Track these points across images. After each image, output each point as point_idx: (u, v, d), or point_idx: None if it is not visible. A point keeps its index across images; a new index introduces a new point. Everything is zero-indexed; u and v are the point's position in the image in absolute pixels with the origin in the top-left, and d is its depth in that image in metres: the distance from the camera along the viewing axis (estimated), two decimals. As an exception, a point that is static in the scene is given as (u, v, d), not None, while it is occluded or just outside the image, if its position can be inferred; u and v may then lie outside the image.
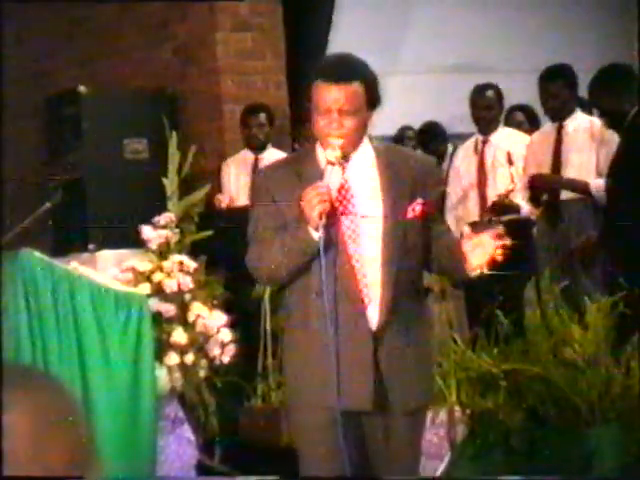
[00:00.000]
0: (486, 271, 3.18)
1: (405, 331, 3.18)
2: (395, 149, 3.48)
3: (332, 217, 3.14)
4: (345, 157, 3.18)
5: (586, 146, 5.70)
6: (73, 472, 1.34)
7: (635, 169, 5.05)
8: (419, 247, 3.22)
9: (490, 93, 6.21)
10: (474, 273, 3.19)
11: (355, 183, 3.21)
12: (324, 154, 3.18)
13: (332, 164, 3.15)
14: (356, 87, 3.15)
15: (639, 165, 5.03)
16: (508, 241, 3.14)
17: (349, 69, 3.21)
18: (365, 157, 3.23)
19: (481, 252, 3.16)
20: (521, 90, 6.59)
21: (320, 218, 3.09)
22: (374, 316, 3.16)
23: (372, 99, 3.19)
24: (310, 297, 3.16)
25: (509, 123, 6.46)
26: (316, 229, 3.10)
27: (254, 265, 3.27)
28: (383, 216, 3.17)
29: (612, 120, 5.41)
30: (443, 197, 5.85)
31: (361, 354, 3.14)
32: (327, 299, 3.09)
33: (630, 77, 5.42)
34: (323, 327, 3.12)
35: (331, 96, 3.14)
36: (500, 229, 3.19)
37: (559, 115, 5.81)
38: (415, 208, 3.20)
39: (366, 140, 3.25)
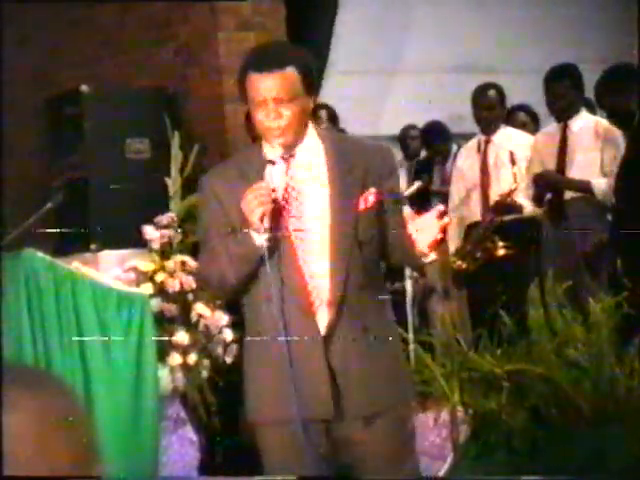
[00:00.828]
0: (434, 256, 2.97)
1: (361, 331, 3.02)
2: (345, 137, 3.34)
3: (278, 218, 2.99)
4: (288, 151, 3.04)
5: (591, 146, 5.69)
6: (78, 472, 1.34)
7: None
8: (374, 240, 3.05)
9: (492, 93, 6.20)
10: (426, 259, 2.97)
11: (301, 179, 3.06)
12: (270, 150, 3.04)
13: (272, 163, 3.02)
14: (290, 73, 3.00)
15: None
16: (447, 219, 2.95)
17: (280, 55, 3.07)
18: (311, 148, 3.08)
19: (426, 234, 2.92)
20: (524, 90, 6.58)
21: (261, 221, 2.94)
22: (324, 318, 3.01)
23: (310, 84, 3.04)
24: (261, 305, 3.03)
25: (512, 123, 6.45)
26: (259, 233, 2.95)
27: (203, 274, 3.18)
28: (330, 210, 3.01)
29: (620, 120, 5.41)
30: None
31: (312, 360, 2.99)
32: (275, 305, 2.94)
33: (636, 77, 5.41)
34: (276, 335, 2.98)
35: (265, 85, 3.00)
36: (441, 207, 3.01)
37: (565, 115, 5.80)
38: (367, 198, 3.04)
39: (311, 129, 3.10)
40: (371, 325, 3.04)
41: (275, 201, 2.99)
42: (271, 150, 3.04)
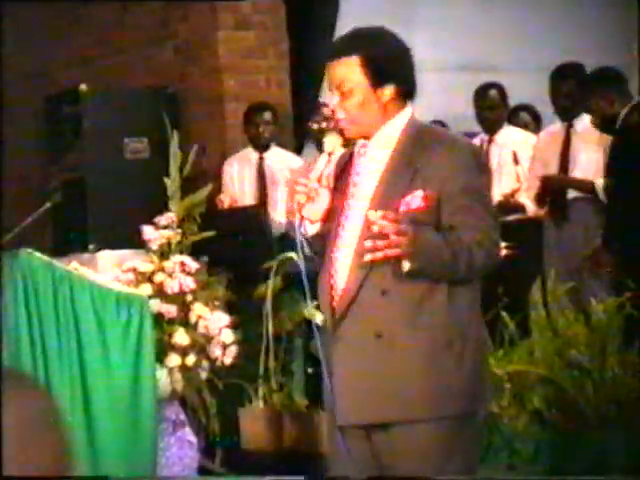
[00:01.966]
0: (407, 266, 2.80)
1: (373, 337, 2.85)
2: (431, 131, 3.03)
3: (336, 210, 2.93)
4: (358, 142, 2.94)
5: (595, 146, 5.67)
6: (61, 470, 1.37)
7: (633, 168, 5.03)
8: None
9: (493, 93, 6.18)
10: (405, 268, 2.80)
11: (364, 173, 2.96)
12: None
13: (327, 154, 2.95)
14: (350, 62, 2.88)
15: (636, 164, 5.02)
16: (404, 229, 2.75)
17: (344, 42, 2.97)
18: (384, 142, 2.93)
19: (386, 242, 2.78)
20: (527, 89, 6.55)
21: (299, 211, 2.90)
22: (336, 317, 2.91)
23: (376, 73, 2.88)
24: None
25: (514, 123, 6.42)
26: (310, 222, 2.92)
27: None
28: (368, 208, 2.87)
29: (602, 124, 5.41)
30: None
31: (326, 354, 2.92)
32: (308, 295, 2.91)
33: (619, 80, 5.42)
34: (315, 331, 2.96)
35: (329, 74, 2.94)
36: (392, 215, 2.79)
37: (569, 114, 5.78)
38: (410, 202, 2.85)
39: (397, 119, 2.93)
40: (388, 332, 2.85)
41: (318, 191, 2.92)
42: (328, 140, 2.97)
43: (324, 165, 2.96)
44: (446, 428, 2.88)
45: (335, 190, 2.98)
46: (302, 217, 2.94)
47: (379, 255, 2.79)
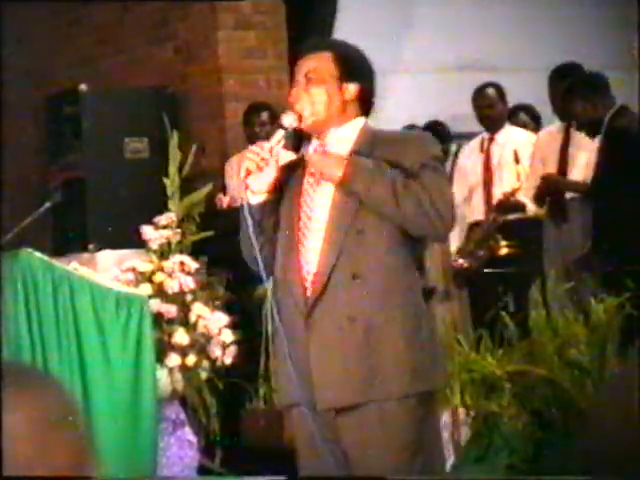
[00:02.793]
0: None
1: (347, 321, 2.93)
2: (385, 132, 3.22)
3: (290, 188, 3.04)
4: (315, 133, 3.06)
5: (593, 146, 5.67)
6: (77, 472, 1.34)
7: (619, 171, 5.05)
8: (381, 228, 2.96)
9: (490, 91, 6.18)
10: None
11: None
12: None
13: (280, 127, 3.05)
14: (323, 56, 3.07)
15: (622, 167, 5.03)
16: None
17: (319, 41, 3.22)
18: (343, 138, 3.07)
19: None
20: (526, 88, 6.55)
21: (246, 176, 2.99)
22: (308, 302, 2.97)
23: (346, 70, 3.05)
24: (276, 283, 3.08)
25: (514, 123, 6.43)
26: (251, 192, 3.01)
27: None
28: (332, 195, 3.00)
29: (587, 128, 5.43)
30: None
31: (298, 344, 2.97)
32: (278, 282, 3.01)
33: (603, 84, 5.44)
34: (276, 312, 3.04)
35: (300, 67, 3.09)
36: None
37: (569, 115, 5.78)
38: None
39: (356, 121, 3.09)
40: (362, 316, 2.94)
41: (268, 163, 3.00)
42: (286, 116, 3.05)
43: (279, 139, 3.05)
44: (414, 405, 2.97)
45: (290, 184, 3.08)
46: (247, 185, 3.01)
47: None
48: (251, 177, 3.01)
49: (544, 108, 6.36)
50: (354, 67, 3.09)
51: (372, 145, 3.05)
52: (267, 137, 6.46)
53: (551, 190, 5.76)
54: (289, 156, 3.13)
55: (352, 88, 3.07)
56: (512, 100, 6.38)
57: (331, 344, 2.95)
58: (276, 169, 3.04)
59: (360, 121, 3.10)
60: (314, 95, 3.03)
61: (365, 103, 3.11)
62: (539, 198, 5.79)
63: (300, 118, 3.04)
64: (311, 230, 3.02)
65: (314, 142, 3.12)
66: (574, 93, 5.46)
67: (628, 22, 5.59)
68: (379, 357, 2.94)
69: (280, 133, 3.06)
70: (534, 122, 6.70)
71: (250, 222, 3.01)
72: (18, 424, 1.32)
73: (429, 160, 3.01)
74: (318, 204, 3.03)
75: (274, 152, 3.04)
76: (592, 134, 5.45)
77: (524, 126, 6.53)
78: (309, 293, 2.98)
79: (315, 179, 3.06)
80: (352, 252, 2.96)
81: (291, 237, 3.02)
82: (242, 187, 3.02)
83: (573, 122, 5.79)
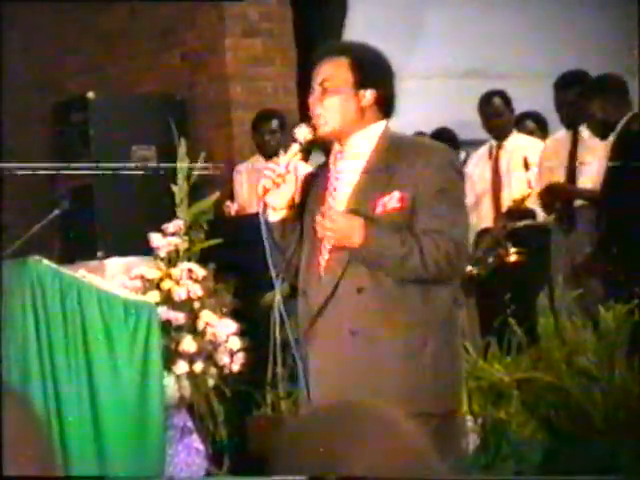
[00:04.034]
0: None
1: (348, 334, 2.90)
2: (406, 139, 3.17)
3: (310, 202, 3.01)
4: (334, 140, 3.02)
5: (601, 153, 5.66)
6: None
7: (630, 175, 5.04)
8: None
9: (497, 100, 6.18)
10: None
11: (342, 172, 3.03)
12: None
13: (295, 141, 3.02)
14: (339, 62, 3.00)
15: (634, 171, 5.02)
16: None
17: (334, 46, 3.11)
18: (362, 144, 3.02)
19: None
20: (534, 96, 6.54)
21: (263, 197, 2.96)
22: (312, 316, 2.96)
23: (362, 77, 2.99)
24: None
25: (520, 131, 6.42)
26: (271, 209, 2.99)
27: None
28: (345, 209, 2.96)
29: (602, 129, 5.41)
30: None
31: (307, 356, 2.99)
32: (278, 294, 2.98)
33: (620, 87, 5.42)
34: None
35: (316, 74, 3.03)
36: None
37: (575, 122, 5.77)
38: (387, 203, 2.94)
39: (375, 126, 3.03)
40: (363, 330, 2.90)
41: (279, 180, 2.97)
42: (299, 130, 3.02)
43: (294, 153, 3.02)
44: (426, 426, 2.87)
45: (312, 192, 3.05)
46: (265, 203, 2.99)
47: (327, 234, 2.89)
48: (269, 195, 2.98)
49: (551, 115, 6.35)
50: (371, 73, 3.02)
51: (391, 152, 2.99)
52: (277, 145, 6.55)
53: (559, 198, 5.74)
54: (307, 168, 3.11)
55: (369, 94, 3.01)
56: (519, 107, 6.38)
57: (330, 356, 2.93)
58: (295, 183, 3.00)
59: (380, 125, 3.04)
60: (330, 104, 2.99)
61: (385, 106, 3.05)
62: (547, 206, 5.79)
63: (314, 129, 3.00)
64: (331, 242, 2.98)
65: (335, 147, 3.07)
66: (593, 91, 5.43)
67: (630, 28, 5.58)
68: (377, 373, 2.90)
69: (295, 147, 3.02)
70: (540, 129, 6.70)
71: (269, 242, 2.99)
72: None
73: (447, 183, 2.96)
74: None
75: (290, 167, 3.00)
76: (602, 135, 5.42)
77: (530, 133, 6.52)
78: (313, 305, 2.97)
79: (332, 198, 3.02)
80: (358, 266, 2.93)
81: (312, 249, 2.99)
82: (261, 206, 2.99)
83: (580, 127, 5.78)
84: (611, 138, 5.48)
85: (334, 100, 2.98)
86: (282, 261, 3.03)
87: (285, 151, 6.68)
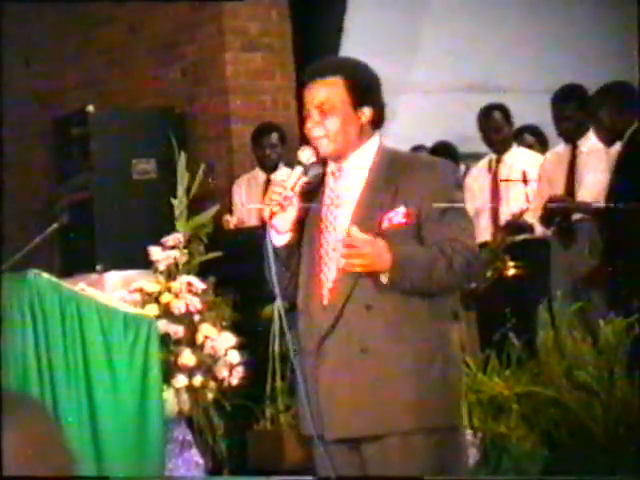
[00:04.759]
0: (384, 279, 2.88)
1: (359, 352, 2.89)
2: (402, 154, 3.18)
3: (310, 223, 2.99)
4: (333, 160, 3.01)
5: (600, 166, 5.66)
6: None
7: (636, 185, 5.03)
8: None
9: (497, 115, 6.19)
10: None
11: (342, 191, 3.03)
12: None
13: (302, 165, 3.00)
14: (333, 82, 2.98)
15: (638, 181, 5.02)
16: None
17: (326, 65, 3.06)
18: (360, 162, 3.02)
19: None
20: (532, 110, 6.55)
21: (270, 218, 2.95)
22: (320, 334, 2.95)
23: (358, 96, 2.98)
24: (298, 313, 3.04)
25: (519, 145, 6.43)
26: (277, 232, 2.97)
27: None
28: (349, 225, 2.93)
29: (609, 137, 5.40)
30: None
31: (311, 374, 2.96)
32: (279, 311, 2.96)
33: (631, 94, 5.41)
34: (297, 345, 3.01)
35: (310, 94, 3.00)
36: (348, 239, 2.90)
37: (573, 136, 5.78)
38: (392, 218, 2.94)
39: (372, 142, 3.03)
40: (373, 347, 2.91)
41: (285, 202, 2.95)
42: (303, 152, 3.01)
43: (298, 176, 3.01)
44: (436, 440, 2.93)
45: (307, 210, 3.03)
46: (272, 226, 2.98)
47: (356, 268, 2.87)
48: (276, 218, 2.98)
49: (550, 129, 6.36)
50: (366, 90, 3.02)
51: (390, 167, 3.00)
52: (277, 159, 6.54)
53: (558, 211, 5.74)
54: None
55: (367, 112, 3.01)
56: (518, 121, 6.39)
57: (341, 374, 2.93)
58: (297, 206, 2.99)
59: (375, 141, 3.05)
60: (330, 125, 2.98)
61: (378, 122, 3.07)
62: (546, 220, 5.78)
63: (317, 151, 3.00)
64: (332, 260, 2.97)
65: (331, 166, 3.06)
66: (603, 97, 5.43)
67: (632, 37, 5.58)
68: (388, 390, 2.91)
69: (299, 170, 3.01)
70: (540, 143, 6.70)
71: (274, 267, 2.97)
72: (6, 448, 1.34)
73: (452, 196, 2.97)
74: (337, 237, 2.99)
75: (296, 190, 2.99)
76: (609, 143, 5.41)
77: (530, 147, 6.53)
78: (323, 324, 2.95)
79: (332, 216, 3.02)
80: (367, 283, 2.92)
81: (312, 268, 2.99)
82: (269, 230, 2.97)
83: (579, 141, 5.78)
84: (617, 146, 5.47)
85: (335, 121, 2.98)
86: (286, 280, 3.02)
87: (285, 165, 6.73)
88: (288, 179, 3.00)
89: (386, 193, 2.96)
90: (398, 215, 2.94)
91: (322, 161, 3.06)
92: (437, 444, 2.94)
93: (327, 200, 3.04)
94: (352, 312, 2.92)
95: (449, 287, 2.99)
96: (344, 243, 2.89)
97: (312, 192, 3.07)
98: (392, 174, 2.98)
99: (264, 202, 2.99)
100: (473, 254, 2.96)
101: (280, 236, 3.00)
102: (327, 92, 2.99)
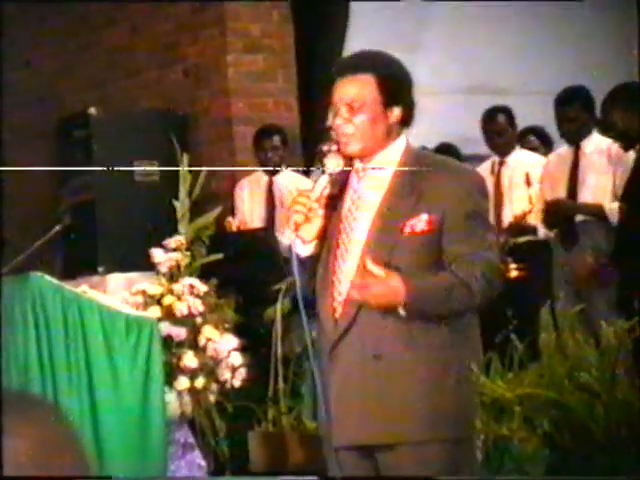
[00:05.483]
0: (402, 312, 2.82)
1: (372, 359, 2.85)
2: (430, 157, 3.11)
3: (332, 229, 2.93)
4: (360, 161, 2.92)
5: (603, 168, 5.65)
6: None
7: None
8: (417, 267, 2.86)
9: (501, 118, 6.18)
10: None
11: (364, 194, 2.95)
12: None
13: (328, 174, 2.92)
14: (365, 80, 2.88)
15: None
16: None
17: (358, 61, 2.96)
18: (385, 164, 2.94)
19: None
20: (535, 111, 6.55)
21: (296, 230, 2.88)
22: (334, 339, 2.90)
23: (390, 93, 2.89)
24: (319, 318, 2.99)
25: (524, 146, 6.42)
26: (302, 242, 2.91)
27: None
28: (369, 231, 2.89)
29: (626, 140, 5.37)
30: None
31: (324, 380, 2.92)
32: (304, 318, 2.87)
33: None
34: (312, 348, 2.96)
35: (340, 90, 2.91)
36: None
37: (576, 138, 5.77)
38: (415, 225, 2.88)
39: (398, 143, 2.95)
40: (387, 353, 2.85)
41: (310, 211, 2.90)
42: (330, 161, 2.94)
43: (324, 185, 2.94)
44: (450, 449, 2.90)
45: (328, 210, 2.96)
46: (297, 237, 2.92)
47: (372, 306, 2.82)
48: (301, 230, 2.91)
49: (551, 130, 6.36)
50: (398, 90, 2.93)
51: (414, 171, 2.92)
52: (279, 161, 6.55)
53: (561, 214, 5.73)
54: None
55: (396, 112, 2.93)
56: (521, 122, 6.38)
57: (353, 380, 2.88)
58: (324, 214, 2.93)
59: (402, 141, 2.97)
60: (361, 123, 2.89)
61: (407, 122, 2.99)
62: (548, 222, 5.78)
63: (342, 153, 2.93)
64: (347, 265, 2.91)
65: (356, 165, 2.98)
66: (613, 101, 5.40)
67: (632, 37, 5.58)
68: (400, 398, 2.86)
69: (325, 179, 2.93)
70: (544, 144, 6.70)
71: (299, 279, 2.90)
72: (20, 448, 1.33)
73: (476, 206, 2.92)
74: (355, 240, 2.93)
75: (322, 200, 2.92)
76: (626, 147, 5.37)
77: (534, 149, 6.52)
78: (336, 329, 2.91)
79: (352, 217, 2.95)
80: None
81: (327, 268, 2.93)
82: (293, 241, 2.91)
83: (581, 143, 5.77)
84: (615, 148, 5.46)
85: (364, 119, 2.89)
86: (312, 287, 2.97)
87: (288, 166, 6.72)
88: (313, 189, 2.92)
89: (409, 198, 2.89)
90: (421, 222, 2.87)
91: (346, 159, 2.98)
92: (450, 454, 2.89)
93: (349, 201, 2.97)
94: (366, 317, 2.87)
95: (470, 310, 2.95)
96: (354, 284, 2.83)
97: (335, 193, 2.98)
98: (417, 178, 2.91)
99: (288, 213, 2.93)
100: (494, 270, 2.90)
101: (305, 246, 2.93)
102: (358, 90, 2.90)
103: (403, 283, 2.80)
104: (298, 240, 2.93)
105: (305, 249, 2.95)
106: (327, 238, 2.95)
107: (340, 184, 2.99)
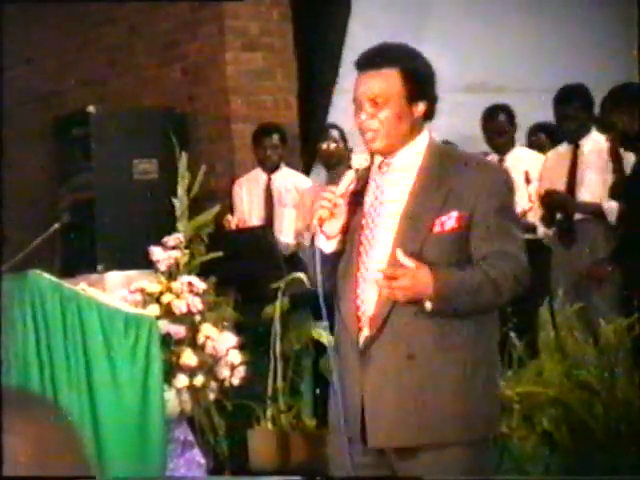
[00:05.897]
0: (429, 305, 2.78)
1: (405, 358, 2.81)
2: (453, 153, 3.06)
3: (355, 226, 2.87)
4: (384, 157, 2.87)
5: (602, 166, 5.65)
6: None
7: None
8: (445, 264, 2.80)
9: (501, 117, 6.18)
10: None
11: (388, 191, 2.89)
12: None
13: (354, 170, 2.87)
14: (389, 74, 2.83)
15: None
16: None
17: (381, 54, 2.88)
18: (409, 160, 2.89)
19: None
20: (535, 109, 6.55)
21: (320, 225, 2.83)
22: (364, 337, 2.85)
23: (414, 88, 2.84)
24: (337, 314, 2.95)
25: (533, 143, 6.41)
26: (326, 238, 2.86)
27: None
28: (397, 228, 2.83)
29: (626, 139, 5.37)
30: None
31: (350, 379, 2.87)
32: (324, 314, 2.83)
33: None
34: (331, 347, 2.94)
35: (363, 85, 2.85)
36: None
37: (574, 136, 5.77)
38: (445, 222, 2.82)
39: (421, 138, 2.90)
40: (422, 353, 2.81)
41: (335, 207, 2.85)
42: (356, 157, 2.91)
43: (350, 181, 2.89)
44: (474, 451, 2.87)
45: (351, 206, 2.91)
46: (321, 232, 2.87)
47: (399, 298, 2.78)
48: (325, 225, 2.86)
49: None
50: (423, 84, 2.89)
51: (442, 167, 2.88)
52: (279, 159, 6.55)
53: (557, 207, 5.73)
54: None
55: (421, 106, 2.88)
56: (520, 121, 6.38)
57: (387, 381, 2.84)
58: (346, 210, 2.88)
59: (425, 135, 2.93)
60: (386, 118, 2.84)
61: (430, 115, 2.94)
62: (546, 218, 5.78)
63: (372, 157, 2.89)
64: (372, 262, 2.87)
65: (378, 160, 2.93)
66: (613, 101, 5.40)
67: (632, 40, 5.58)
68: (432, 400, 2.83)
69: (350, 175, 2.89)
70: (553, 142, 6.69)
71: (320, 276, 2.85)
72: (19, 446, 1.33)
73: (505, 202, 2.89)
74: (379, 240, 2.89)
75: (346, 196, 2.87)
76: (627, 146, 5.36)
77: (542, 146, 6.51)
78: (367, 327, 2.86)
79: (375, 213, 2.90)
80: None
81: (350, 270, 2.89)
82: (317, 237, 2.86)
83: (580, 141, 5.77)
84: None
85: (389, 114, 2.84)
86: (332, 282, 2.92)
87: (286, 165, 6.72)
88: (338, 185, 2.87)
89: (438, 194, 2.84)
90: (451, 220, 2.83)
91: (370, 155, 2.93)
92: (473, 455, 2.87)
93: (371, 196, 2.92)
94: (400, 317, 2.83)
95: (497, 307, 2.92)
96: (384, 274, 2.78)
97: (357, 189, 2.92)
98: (444, 174, 2.86)
99: (313, 208, 2.88)
100: (521, 267, 2.87)
101: (329, 242, 2.89)
102: (382, 84, 2.84)
103: (432, 276, 2.77)
104: (322, 236, 2.88)
105: (329, 245, 2.90)
106: (349, 233, 2.91)
107: (362, 180, 2.94)
